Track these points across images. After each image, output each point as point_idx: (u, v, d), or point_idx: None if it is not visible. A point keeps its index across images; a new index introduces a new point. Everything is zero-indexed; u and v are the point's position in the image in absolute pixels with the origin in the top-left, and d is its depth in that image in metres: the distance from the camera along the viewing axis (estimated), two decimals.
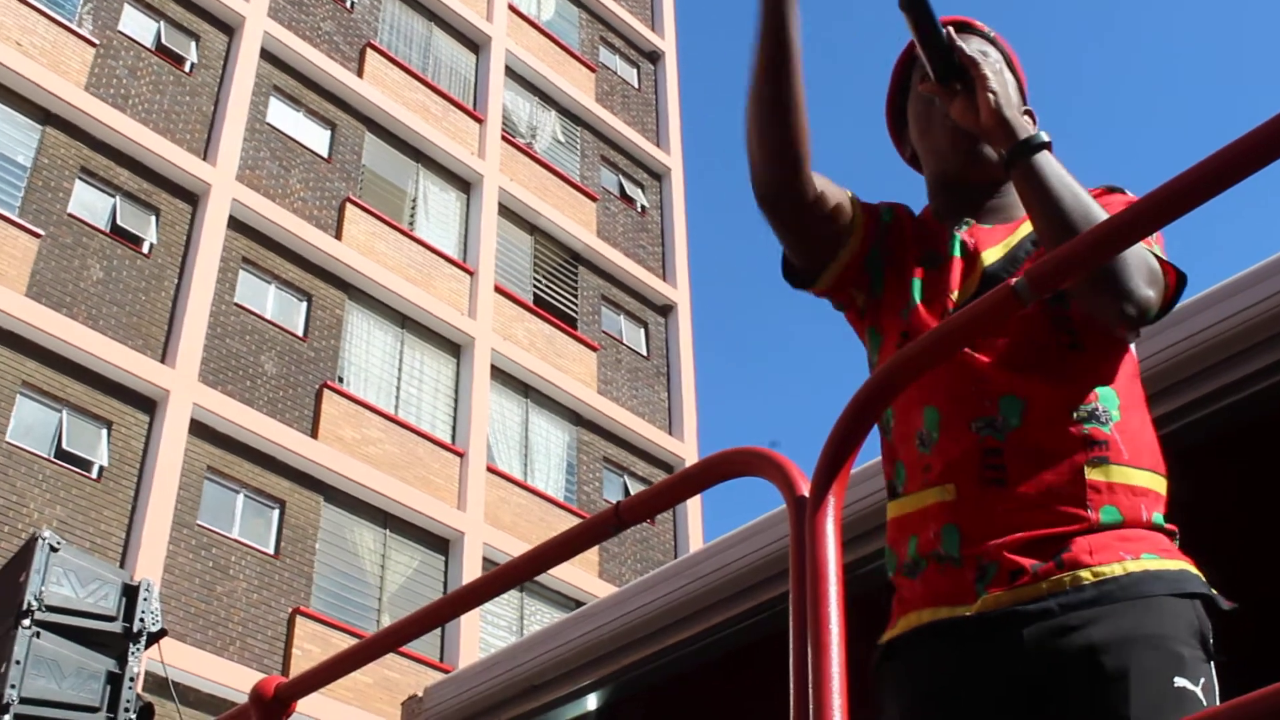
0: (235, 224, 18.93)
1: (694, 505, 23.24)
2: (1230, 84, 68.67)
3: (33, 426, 15.91)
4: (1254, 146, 1.25)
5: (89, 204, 17.63)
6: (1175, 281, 1.82)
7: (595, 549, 20.85)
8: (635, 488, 22.35)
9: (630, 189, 25.87)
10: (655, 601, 4.13)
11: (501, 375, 21.49)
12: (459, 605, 2.09)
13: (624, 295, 24.53)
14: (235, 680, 15.57)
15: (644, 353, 24.31)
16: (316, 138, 20.85)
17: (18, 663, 5.85)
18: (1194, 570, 1.73)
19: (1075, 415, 1.76)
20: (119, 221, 17.76)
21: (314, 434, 18.39)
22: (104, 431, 16.50)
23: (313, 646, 16.83)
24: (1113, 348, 1.83)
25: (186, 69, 19.60)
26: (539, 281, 23.25)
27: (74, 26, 18.31)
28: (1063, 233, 1.70)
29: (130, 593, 6.38)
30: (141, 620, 6.32)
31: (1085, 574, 1.67)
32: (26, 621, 5.95)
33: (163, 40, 19.48)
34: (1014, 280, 1.40)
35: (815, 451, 1.52)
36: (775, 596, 3.80)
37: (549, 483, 21.42)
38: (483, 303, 21.54)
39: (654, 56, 28.22)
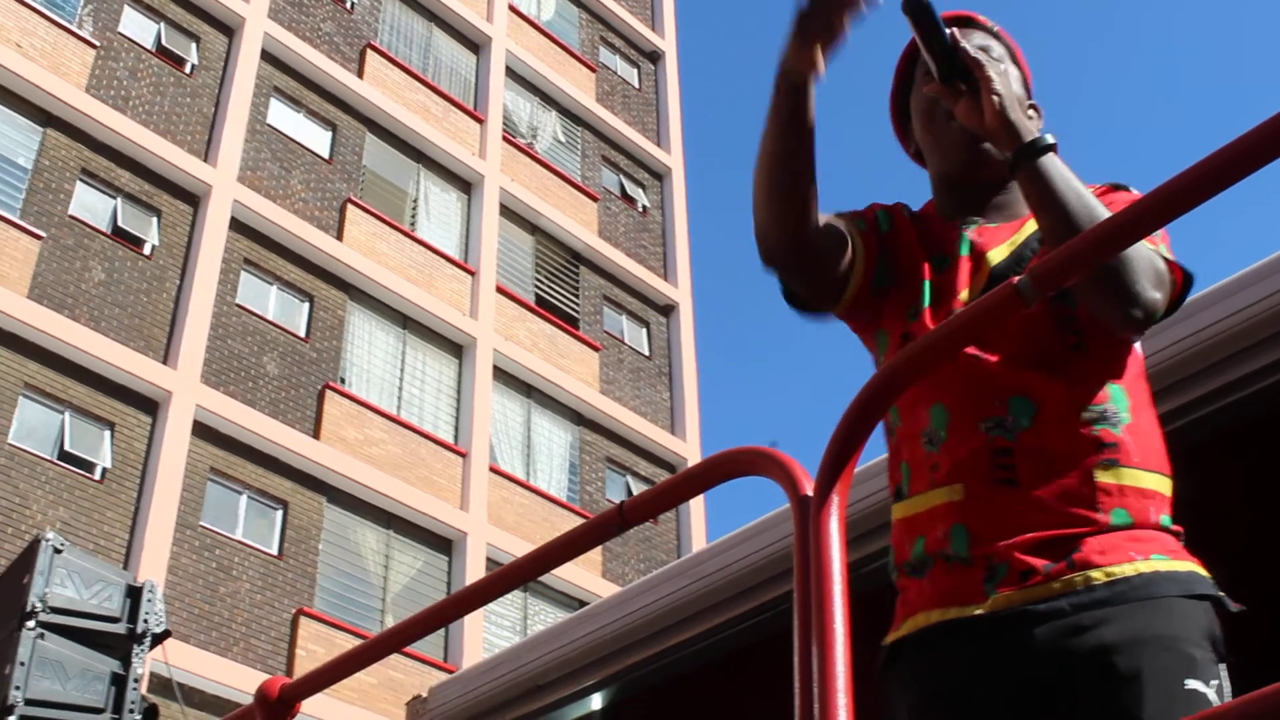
0: (236, 225, 18.93)
1: (697, 505, 23.21)
2: (1230, 84, 68.60)
3: (35, 428, 15.92)
4: (1256, 144, 1.25)
5: (90, 206, 17.63)
6: (1182, 280, 1.81)
7: (598, 549, 20.82)
8: (638, 488, 22.32)
9: (631, 189, 25.85)
10: (658, 601, 4.13)
11: (503, 375, 21.48)
12: (463, 605, 2.09)
13: (626, 295, 24.51)
14: (239, 681, 15.57)
15: (646, 352, 24.29)
16: (317, 139, 20.84)
17: (22, 664, 5.86)
18: (1203, 572, 1.73)
19: (1085, 417, 1.76)
20: (120, 223, 17.76)
21: (316, 435, 18.39)
22: (106, 433, 16.50)
23: (316, 647, 16.82)
24: (1118, 348, 1.82)
25: (187, 70, 19.59)
26: (540, 282, 23.24)
27: (74, 28, 18.30)
28: (1068, 236, 1.68)
29: (134, 594, 6.39)
30: (145, 621, 6.34)
31: (1097, 574, 1.67)
32: (31, 623, 5.96)
33: (163, 42, 19.48)
34: (1017, 279, 1.39)
35: (817, 451, 1.52)
36: (778, 596, 3.80)
37: (552, 483, 21.41)
38: (484, 303, 21.53)
39: (654, 56, 28.19)
